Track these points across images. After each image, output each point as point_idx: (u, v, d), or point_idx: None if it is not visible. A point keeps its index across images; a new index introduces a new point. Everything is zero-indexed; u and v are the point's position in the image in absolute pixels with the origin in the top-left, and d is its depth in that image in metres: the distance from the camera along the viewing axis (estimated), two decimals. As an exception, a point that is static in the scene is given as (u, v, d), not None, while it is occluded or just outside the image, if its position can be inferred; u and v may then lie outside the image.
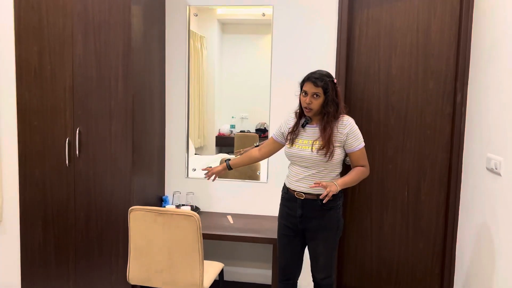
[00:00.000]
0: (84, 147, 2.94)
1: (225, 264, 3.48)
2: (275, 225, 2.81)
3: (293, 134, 2.54)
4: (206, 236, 2.94)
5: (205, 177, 2.82)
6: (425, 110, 3.22)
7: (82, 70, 2.89)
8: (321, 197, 2.33)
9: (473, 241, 2.82)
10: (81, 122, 2.93)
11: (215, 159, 3.43)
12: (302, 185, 2.49)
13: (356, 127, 2.48)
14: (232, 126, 3.42)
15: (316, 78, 2.39)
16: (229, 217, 3.28)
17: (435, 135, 3.23)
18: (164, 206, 3.27)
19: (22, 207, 3.05)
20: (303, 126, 2.50)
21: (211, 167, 2.84)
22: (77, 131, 2.92)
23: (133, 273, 2.57)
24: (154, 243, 2.49)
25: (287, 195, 2.58)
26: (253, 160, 2.80)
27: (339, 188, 2.40)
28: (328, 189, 2.31)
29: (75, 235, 3.01)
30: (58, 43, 2.90)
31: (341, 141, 2.45)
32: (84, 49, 2.87)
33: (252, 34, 3.35)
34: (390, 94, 3.25)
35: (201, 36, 3.37)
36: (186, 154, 3.46)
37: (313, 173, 2.46)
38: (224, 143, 3.44)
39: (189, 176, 3.47)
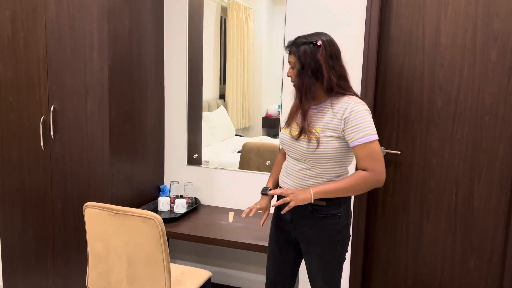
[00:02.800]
0: (60, 127, 2.54)
1: (217, 266, 3.00)
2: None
3: (290, 116, 1.97)
4: (194, 239, 2.46)
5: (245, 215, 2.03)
6: (483, 90, 2.45)
7: (55, 39, 2.47)
8: (272, 205, 1.89)
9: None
10: (56, 98, 2.53)
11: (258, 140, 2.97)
12: (290, 182, 1.92)
13: (363, 112, 1.77)
14: (280, 107, 2.89)
15: (289, 42, 1.85)
16: (231, 214, 2.76)
17: (496, 123, 2.45)
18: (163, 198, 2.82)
19: (2, 192, 2.74)
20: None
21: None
22: (52, 109, 2.53)
23: (92, 281, 2.14)
24: (112, 249, 2.03)
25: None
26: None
27: (313, 197, 1.76)
28: (288, 198, 1.76)
29: (53, 228, 2.65)
30: (30, 7, 2.50)
31: (338, 129, 1.80)
32: (57, 13, 2.45)
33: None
34: (437, 68, 2.51)
35: (246, 7, 2.84)
36: (186, 136, 2.96)
37: (302, 169, 1.88)
38: (271, 124, 2.93)
39: (191, 163, 2.98)
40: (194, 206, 2.86)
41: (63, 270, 2.67)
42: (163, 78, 2.95)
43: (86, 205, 2.04)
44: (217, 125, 3.02)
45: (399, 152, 2.62)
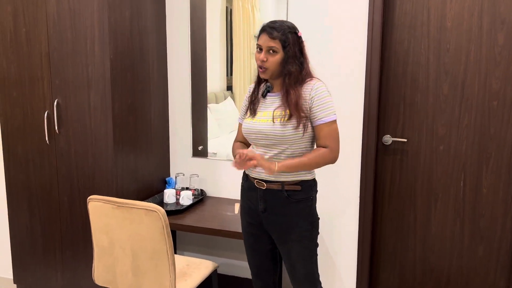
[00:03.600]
0: (64, 122, 2.55)
1: (224, 257, 3.00)
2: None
3: (252, 105, 1.97)
4: (200, 230, 2.45)
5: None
6: (491, 74, 2.40)
7: (57, 32, 2.47)
8: (240, 163, 1.81)
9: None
10: (59, 92, 2.53)
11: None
12: (263, 171, 1.90)
13: (326, 93, 1.87)
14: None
15: (272, 28, 1.82)
16: (237, 205, 2.75)
17: (504, 108, 2.40)
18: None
19: (8, 187, 2.76)
20: (264, 95, 1.94)
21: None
22: (55, 103, 2.53)
23: (98, 274, 2.15)
24: (116, 241, 2.04)
25: (247, 183, 2.03)
26: None
27: (276, 169, 1.79)
28: (255, 161, 1.77)
29: (60, 222, 2.67)
30: (31, 1, 2.49)
31: (307, 109, 1.85)
32: (57, 7, 2.44)
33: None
34: (443, 53, 2.46)
35: (252, -3, 2.81)
36: (190, 128, 2.95)
37: (276, 154, 1.88)
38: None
39: (196, 155, 2.97)
40: (200, 197, 2.85)
41: (71, 263, 2.69)
42: (166, 70, 2.94)
43: (90, 199, 2.05)
44: (224, 116, 3.00)
45: (405, 140, 2.58)
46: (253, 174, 1.97)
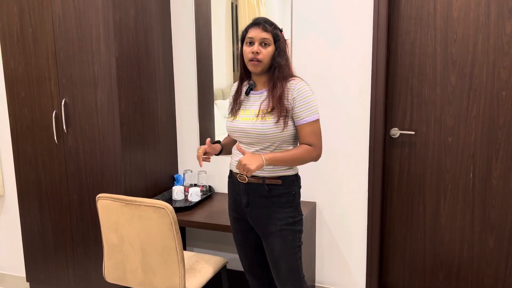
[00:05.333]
0: (72, 121, 2.57)
1: (233, 252, 3.01)
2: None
3: (235, 104, 1.97)
4: (208, 227, 2.46)
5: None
6: (499, 64, 2.37)
7: (63, 32, 2.48)
8: (239, 178, 1.89)
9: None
10: (66, 92, 2.55)
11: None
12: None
13: (309, 92, 1.86)
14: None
15: (264, 21, 1.85)
16: (245, 201, 2.75)
17: (513, 97, 2.38)
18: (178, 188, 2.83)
19: (19, 186, 2.80)
20: (247, 93, 1.93)
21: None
22: (63, 103, 2.55)
23: (109, 271, 2.17)
24: (125, 238, 2.05)
25: (231, 179, 2.05)
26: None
27: (265, 163, 1.78)
28: (244, 162, 1.73)
29: (71, 219, 2.70)
30: (37, 1, 2.51)
31: (289, 109, 1.86)
32: (63, 6, 2.45)
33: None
34: (450, 44, 2.44)
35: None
36: (197, 125, 2.96)
37: (257, 151, 1.89)
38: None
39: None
40: (208, 194, 2.86)
41: (82, 261, 2.72)
42: (172, 67, 2.94)
43: (99, 197, 2.06)
44: (231, 112, 2.99)
45: (413, 133, 2.57)
46: (235, 169, 1.98)
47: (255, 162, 1.74)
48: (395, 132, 2.60)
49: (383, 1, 2.41)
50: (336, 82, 2.57)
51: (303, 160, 1.87)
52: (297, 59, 2.63)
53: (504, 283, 2.54)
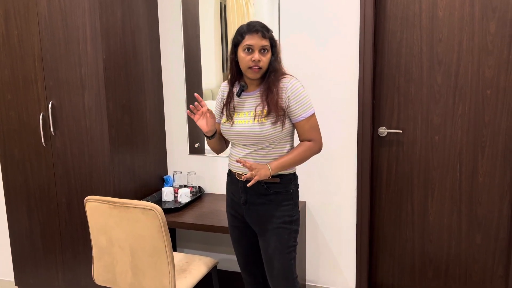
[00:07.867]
0: (59, 123, 2.55)
1: (223, 253, 3.01)
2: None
3: (229, 107, 1.97)
4: (198, 227, 2.46)
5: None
6: (484, 63, 2.40)
7: (49, 34, 2.46)
8: (243, 177, 1.86)
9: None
10: (53, 94, 2.53)
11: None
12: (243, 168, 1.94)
13: (301, 89, 1.89)
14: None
15: (262, 27, 1.85)
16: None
17: (497, 96, 2.41)
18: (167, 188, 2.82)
19: (6, 189, 2.77)
20: (238, 94, 1.93)
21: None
22: (50, 105, 2.53)
23: (98, 274, 2.16)
24: (115, 241, 2.05)
25: (230, 177, 2.06)
26: (223, 144, 2.15)
27: (271, 173, 1.84)
28: (254, 172, 1.80)
29: (59, 223, 2.68)
30: (22, 3, 2.49)
31: (284, 108, 1.88)
32: (49, 8, 2.44)
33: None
34: (435, 43, 2.47)
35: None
36: (186, 126, 2.95)
37: (256, 150, 1.91)
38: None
39: (193, 152, 2.98)
40: (198, 195, 2.86)
41: (72, 264, 2.70)
42: (160, 68, 2.93)
43: (87, 199, 2.05)
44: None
45: (400, 131, 2.59)
46: (234, 168, 1.99)
47: (263, 170, 1.82)
48: (383, 130, 2.62)
49: (369, 1, 2.43)
50: (324, 82, 2.59)
51: (306, 158, 1.92)
52: (284, 60, 2.63)
53: (492, 279, 2.58)
